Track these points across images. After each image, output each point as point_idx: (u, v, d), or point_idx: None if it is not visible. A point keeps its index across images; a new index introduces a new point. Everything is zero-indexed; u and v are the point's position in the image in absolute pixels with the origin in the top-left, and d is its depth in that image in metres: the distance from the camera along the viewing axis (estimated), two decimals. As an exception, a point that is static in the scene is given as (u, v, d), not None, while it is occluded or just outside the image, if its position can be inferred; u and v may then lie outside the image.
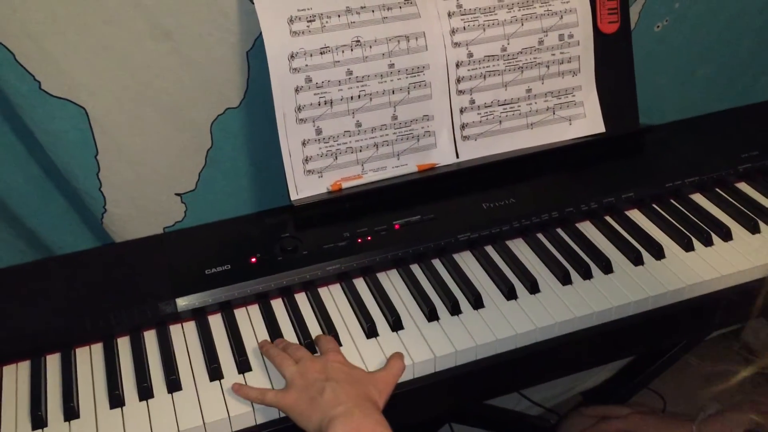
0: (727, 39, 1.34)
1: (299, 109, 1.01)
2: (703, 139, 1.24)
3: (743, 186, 1.15)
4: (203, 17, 0.97)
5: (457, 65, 1.08)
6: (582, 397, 1.67)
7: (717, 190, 1.14)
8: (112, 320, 0.92)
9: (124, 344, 0.92)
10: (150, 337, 0.92)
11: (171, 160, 1.05)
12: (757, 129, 1.28)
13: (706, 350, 1.81)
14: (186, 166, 1.07)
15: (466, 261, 1.02)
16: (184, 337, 0.92)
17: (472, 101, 1.10)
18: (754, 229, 1.06)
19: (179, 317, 0.93)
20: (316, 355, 0.86)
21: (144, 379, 0.86)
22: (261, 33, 0.97)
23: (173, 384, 0.85)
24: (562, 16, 1.11)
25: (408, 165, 1.10)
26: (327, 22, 1.00)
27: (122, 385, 0.86)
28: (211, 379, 0.86)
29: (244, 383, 0.85)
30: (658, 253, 1.01)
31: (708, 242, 1.03)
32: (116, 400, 0.84)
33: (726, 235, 1.04)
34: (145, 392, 0.85)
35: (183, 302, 0.93)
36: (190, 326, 0.94)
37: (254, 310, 0.96)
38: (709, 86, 1.39)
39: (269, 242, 1.00)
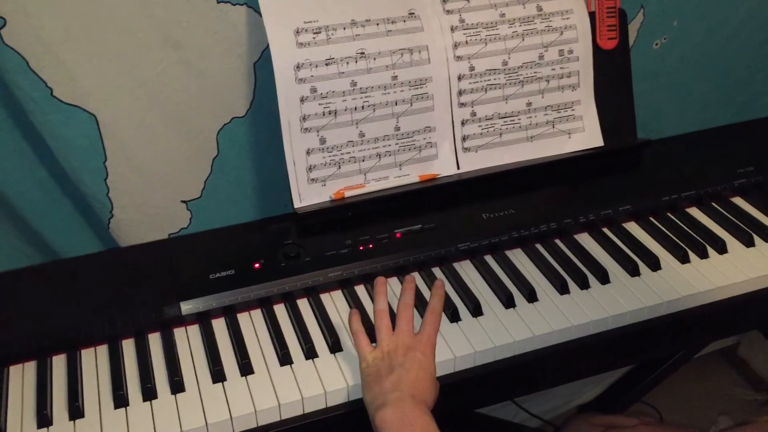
0: (725, 57, 1.36)
1: (304, 118, 1.04)
2: (700, 154, 1.27)
3: (739, 201, 1.17)
4: (212, 28, 1.00)
5: (459, 78, 1.10)
6: (579, 411, 1.68)
7: (713, 204, 1.16)
8: (117, 323, 0.93)
9: (128, 346, 0.93)
10: (154, 340, 0.94)
11: (177, 167, 1.07)
12: (753, 145, 1.30)
13: (702, 364, 1.83)
14: (192, 173, 1.09)
15: (466, 270, 1.04)
16: (188, 340, 0.94)
17: (474, 114, 1.13)
18: (749, 243, 1.08)
19: (183, 320, 0.95)
20: (413, 333, 0.88)
21: (148, 380, 0.87)
22: (268, 45, 1.00)
23: (177, 385, 0.87)
24: (562, 32, 1.13)
25: (410, 175, 1.12)
26: (333, 34, 1.02)
27: (126, 386, 0.87)
28: (214, 381, 0.88)
29: (246, 385, 0.86)
30: (654, 264, 1.03)
31: (703, 255, 1.05)
32: (120, 400, 0.86)
33: (721, 248, 1.06)
34: (149, 393, 0.86)
35: (187, 306, 0.95)
36: (194, 330, 0.95)
37: (257, 314, 0.97)
38: (706, 103, 1.42)
39: (272, 249, 1.02)
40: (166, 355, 0.91)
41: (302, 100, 1.03)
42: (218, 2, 0.99)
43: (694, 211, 1.15)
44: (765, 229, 1.09)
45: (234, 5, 1.00)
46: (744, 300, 1.02)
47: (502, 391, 1.03)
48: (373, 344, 0.88)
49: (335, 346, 0.91)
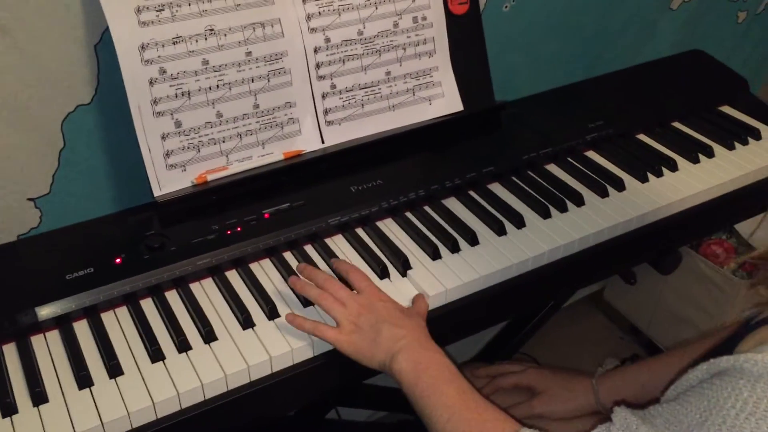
0: (572, 15, 1.42)
1: (155, 102, 0.98)
2: (554, 112, 1.32)
3: (592, 154, 1.23)
4: (43, 11, 0.92)
5: (316, 51, 1.08)
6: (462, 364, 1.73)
7: (569, 159, 1.21)
8: (-35, 337, 0.86)
9: (-20, 361, 0.86)
10: (10, 351, 0.87)
11: (19, 163, 0.99)
12: (602, 99, 1.37)
13: (571, 310, 1.93)
14: (37, 168, 1.01)
15: (339, 244, 1.03)
16: (48, 347, 0.88)
17: (333, 86, 1.11)
18: (604, 194, 1.13)
19: (41, 327, 0.89)
20: (355, 294, 0.90)
21: (5, 394, 0.81)
22: (108, 26, 0.93)
23: (38, 396, 0.81)
24: (414, -1, 1.14)
25: (274, 153, 1.09)
26: (177, 11, 0.97)
27: (-18, 404, 0.81)
28: (80, 387, 0.83)
29: (116, 388, 0.82)
30: (519, 222, 1.07)
31: (563, 209, 1.10)
32: (-24, 420, 0.79)
33: (578, 201, 1.11)
34: (8, 408, 0.80)
35: (44, 311, 0.88)
36: (54, 335, 0.89)
37: (122, 312, 0.92)
38: (558, 61, 1.47)
39: (134, 241, 0.97)
40: (24, 366, 0.85)
41: (151, 82, 0.97)
42: (48, -19, 0.91)
43: (553, 168, 1.20)
44: (617, 181, 1.15)
45: (65, -17, 0.93)
46: (603, 249, 1.07)
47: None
48: None
49: (209, 336, 0.88)
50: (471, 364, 1.25)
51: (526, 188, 1.14)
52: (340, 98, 1.12)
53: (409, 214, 1.08)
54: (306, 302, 0.93)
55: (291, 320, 0.88)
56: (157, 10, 0.96)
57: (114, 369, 0.84)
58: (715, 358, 0.69)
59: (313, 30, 1.07)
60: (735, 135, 1.29)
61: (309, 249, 1.02)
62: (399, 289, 0.96)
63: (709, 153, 1.24)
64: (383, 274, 0.98)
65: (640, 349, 2.00)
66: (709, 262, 1.72)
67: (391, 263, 0.99)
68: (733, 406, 0.62)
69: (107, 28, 0.94)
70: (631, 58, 1.58)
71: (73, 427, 0.78)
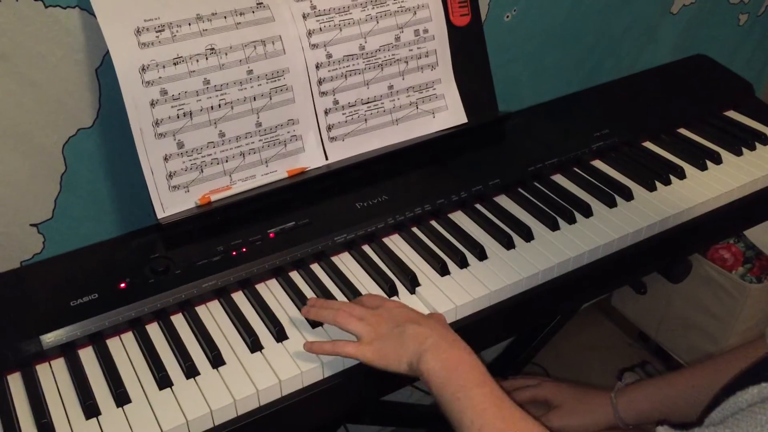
0: (572, 24, 1.41)
1: (157, 123, 0.97)
2: (558, 121, 1.31)
3: (598, 163, 1.22)
4: (43, 36, 0.91)
5: (317, 67, 1.07)
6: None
7: (575, 169, 1.20)
8: (-32, 368, 0.84)
9: (-15, 392, 0.85)
10: (15, 381, 0.86)
11: (21, 189, 0.98)
12: (605, 108, 1.36)
13: (579, 318, 1.92)
14: (39, 193, 1.00)
15: (345, 262, 1.02)
16: (53, 375, 0.86)
17: (336, 102, 1.10)
18: (612, 204, 1.12)
19: (45, 355, 0.87)
20: (373, 310, 0.87)
21: (12, 427, 0.79)
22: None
23: (45, 428, 0.79)
24: (415, 12, 1.13)
25: (277, 171, 1.08)
26: (177, 31, 0.96)
27: (-12, 437, 0.79)
28: (87, 417, 0.81)
29: (124, 417, 0.81)
30: (527, 235, 1.05)
31: (571, 220, 1.08)
32: (-18, 454, 0.78)
33: (587, 212, 1.10)
34: (15, 442, 0.79)
35: (48, 339, 0.87)
36: (59, 363, 0.88)
37: (128, 337, 0.91)
38: (559, 70, 1.46)
39: (138, 265, 0.96)
40: (29, 396, 0.83)
41: (152, 103, 0.96)
42: (46, 6, 0.90)
43: (559, 178, 1.18)
44: (625, 190, 1.14)
45: (65, 8, 0.91)
46: (613, 260, 1.06)
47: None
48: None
49: (217, 361, 0.87)
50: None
51: (534, 200, 1.12)
52: (342, 114, 1.11)
53: (415, 230, 1.07)
54: (314, 323, 0.92)
55: (309, 347, 0.86)
56: (156, 31, 0.95)
57: (121, 397, 0.83)
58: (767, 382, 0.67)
59: (314, 46, 1.06)
60: (742, 140, 1.27)
61: (315, 268, 1.01)
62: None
63: (717, 159, 1.23)
64: (392, 291, 0.96)
65: (649, 356, 1.99)
66: (717, 267, 1.71)
67: (399, 280, 0.98)
68: None
69: (108, 52, 0.93)
70: (633, 64, 1.57)
71: (81, 459, 0.77)
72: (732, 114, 1.38)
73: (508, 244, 1.04)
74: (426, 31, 1.14)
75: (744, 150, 1.26)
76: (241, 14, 1.00)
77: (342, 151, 1.12)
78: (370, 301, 0.89)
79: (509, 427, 0.75)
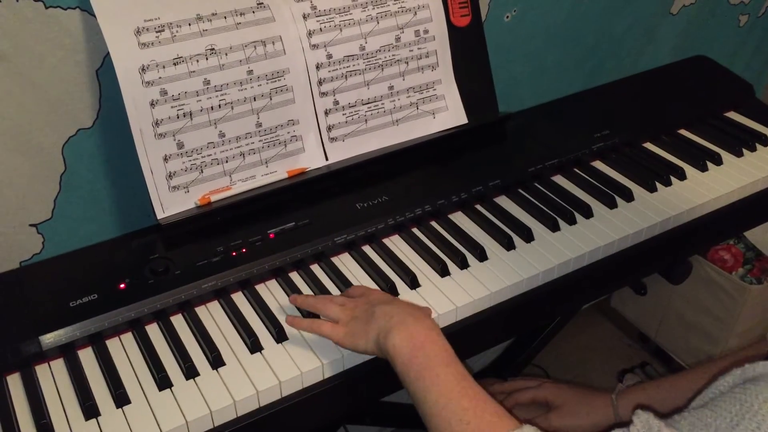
0: (572, 24, 1.41)
1: (157, 123, 0.97)
2: (558, 122, 1.30)
3: (598, 164, 1.22)
4: (44, 36, 0.91)
5: (318, 67, 1.07)
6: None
7: (575, 170, 1.19)
8: (-33, 369, 0.84)
9: (-16, 393, 0.84)
10: (14, 382, 0.85)
11: (20, 189, 0.98)
12: (606, 109, 1.35)
13: (579, 319, 1.92)
14: (38, 193, 1.00)
15: (345, 263, 1.02)
16: (53, 376, 0.86)
17: (336, 102, 1.10)
18: (612, 205, 1.12)
19: (45, 356, 0.87)
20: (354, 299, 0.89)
21: (11, 428, 0.79)
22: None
23: (45, 429, 0.79)
24: (415, 13, 1.12)
25: (278, 172, 1.08)
26: (177, 31, 0.96)
27: (-13, 438, 0.79)
28: (87, 418, 0.81)
29: (123, 418, 0.80)
30: (527, 236, 1.05)
31: (572, 221, 1.08)
32: (-19, 455, 0.77)
33: (587, 213, 1.10)
34: (14, 443, 0.78)
35: (48, 339, 0.87)
36: (59, 364, 0.87)
37: (128, 338, 0.91)
38: (560, 71, 1.46)
39: (138, 265, 0.96)
40: (28, 396, 0.83)
41: (152, 104, 0.96)
42: (47, 7, 0.90)
43: (559, 179, 1.18)
44: (626, 191, 1.14)
45: (65, 9, 0.91)
46: (613, 261, 1.06)
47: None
48: None
49: (216, 362, 0.87)
50: (485, 380, 1.23)
51: (534, 201, 1.12)
52: (343, 114, 1.11)
53: (416, 230, 1.07)
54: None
55: (291, 322, 0.90)
56: (156, 31, 0.95)
57: (121, 398, 0.83)
58: (750, 363, 0.67)
59: (314, 46, 1.06)
60: (742, 141, 1.27)
61: (315, 268, 1.01)
62: (408, 307, 0.94)
63: (717, 160, 1.23)
64: (392, 292, 0.96)
65: (649, 357, 1.98)
66: (717, 268, 1.71)
67: (401, 279, 0.98)
68: None
69: (109, 53, 0.93)
70: (633, 65, 1.57)
71: (81, 460, 0.77)
72: (732, 115, 1.38)
73: (509, 245, 1.04)
74: (426, 31, 1.14)
75: (744, 151, 1.26)
76: (241, 14, 1.00)
77: (342, 152, 1.12)
78: (355, 291, 0.92)
79: (474, 405, 0.74)
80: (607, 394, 1.07)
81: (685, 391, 0.96)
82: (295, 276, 0.99)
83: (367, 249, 1.04)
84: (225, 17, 0.99)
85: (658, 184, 1.16)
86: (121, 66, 0.93)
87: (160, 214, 1.00)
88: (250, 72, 1.02)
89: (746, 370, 0.67)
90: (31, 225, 1.01)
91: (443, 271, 0.99)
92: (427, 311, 0.89)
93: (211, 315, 0.94)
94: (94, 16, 0.92)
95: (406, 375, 0.78)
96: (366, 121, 1.13)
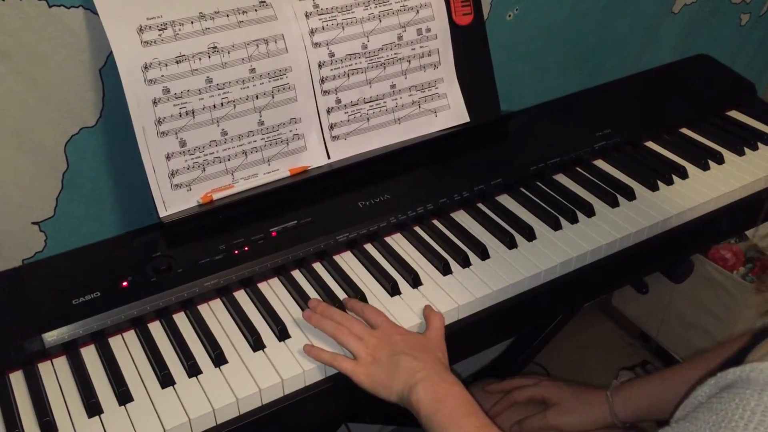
0: (573, 24, 1.41)
1: (159, 121, 0.97)
2: (560, 121, 1.30)
3: (600, 163, 1.22)
4: (47, 35, 0.91)
5: (320, 65, 1.07)
6: (473, 380, 1.71)
7: (577, 169, 1.20)
8: (-30, 366, 0.84)
9: (-13, 390, 0.84)
10: (17, 379, 0.85)
11: (23, 187, 0.98)
12: (607, 108, 1.35)
13: (580, 317, 1.92)
14: (41, 191, 1.00)
15: (348, 261, 1.02)
16: (56, 374, 0.86)
17: (338, 100, 1.10)
18: (614, 204, 1.12)
19: (48, 353, 0.87)
20: (372, 329, 0.89)
21: (14, 425, 0.79)
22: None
23: (48, 426, 0.79)
24: (418, 11, 1.12)
25: (280, 170, 1.08)
26: (180, 29, 0.96)
27: (-10, 436, 0.79)
28: (90, 416, 0.81)
29: (126, 415, 0.81)
30: (529, 234, 1.05)
31: (574, 220, 1.08)
32: (-16, 452, 0.78)
33: (589, 211, 1.10)
34: (18, 440, 0.78)
35: (50, 337, 0.87)
36: (61, 362, 0.88)
37: (131, 336, 0.91)
38: (561, 70, 1.46)
39: (140, 263, 0.96)
40: (31, 394, 0.83)
41: (155, 102, 0.96)
42: (50, 6, 0.90)
43: (561, 178, 1.18)
44: (627, 190, 1.14)
45: (68, 8, 0.91)
46: (615, 260, 1.06)
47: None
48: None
49: (219, 360, 0.87)
50: (483, 380, 1.24)
51: (536, 199, 1.12)
52: (345, 113, 1.11)
53: (418, 229, 1.07)
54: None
55: (309, 351, 0.87)
56: (159, 30, 0.95)
57: (123, 395, 0.83)
58: (722, 372, 0.67)
59: (317, 45, 1.06)
60: (744, 140, 1.27)
61: (318, 266, 1.01)
62: (411, 306, 0.94)
63: (719, 159, 1.23)
64: (394, 291, 0.96)
65: (650, 356, 1.98)
66: (718, 267, 1.71)
67: (403, 278, 0.98)
68: (741, 417, 0.61)
69: (112, 52, 0.93)
70: (634, 64, 1.57)
71: (84, 457, 0.77)
72: (734, 114, 1.38)
73: (511, 244, 1.04)
74: (428, 30, 1.14)
75: (746, 150, 1.26)
76: (243, 13, 1.00)
77: (344, 150, 1.12)
78: (371, 317, 0.90)
79: None
80: (603, 391, 1.08)
81: (678, 386, 0.96)
82: (297, 274, 0.99)
83: (370, 247, 1.04)
84: (227, 15, 0.99)
85: (659, 183, 1.16)
86: (123, 64, 0.93)
87: (163, 213, 1.00)
88: (252, 70, 1.02)
89: (719, 378, 0.67)
90: (33, 223, 1.01)
91: (445, 270, 0.99)
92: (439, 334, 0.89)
93: (214, 313, 0.94)
94: (97, 14, 0.92)
95: (429, 426, 0.81)
96: (368, 119, 1.13)
